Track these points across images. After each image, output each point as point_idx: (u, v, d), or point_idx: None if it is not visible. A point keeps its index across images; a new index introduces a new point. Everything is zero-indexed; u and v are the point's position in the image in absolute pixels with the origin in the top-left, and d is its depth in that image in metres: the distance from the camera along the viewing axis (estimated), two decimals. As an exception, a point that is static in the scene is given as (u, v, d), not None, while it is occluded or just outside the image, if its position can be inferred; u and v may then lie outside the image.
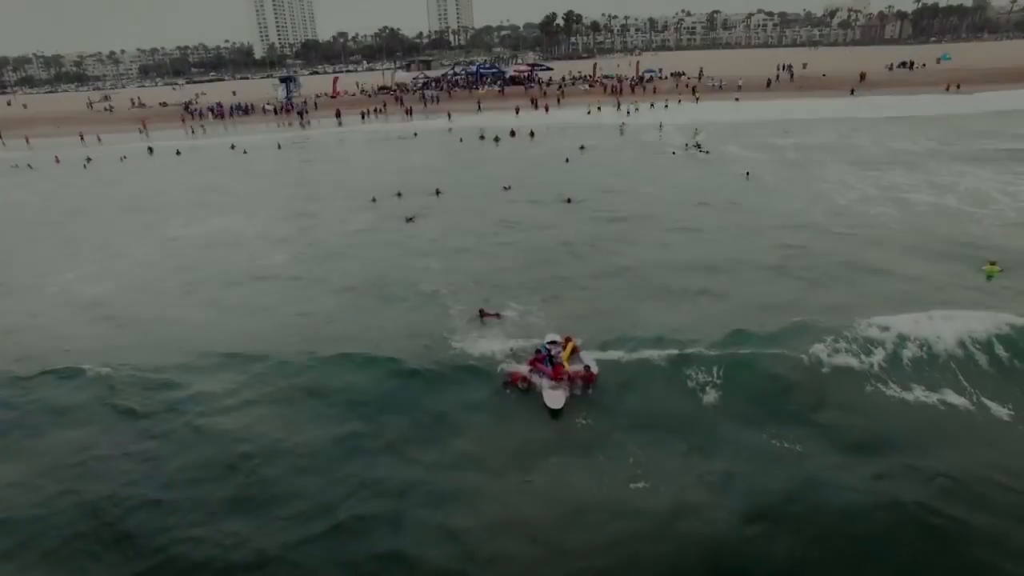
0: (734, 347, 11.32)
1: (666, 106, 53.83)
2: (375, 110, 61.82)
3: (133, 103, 79.64)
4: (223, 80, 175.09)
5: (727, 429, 9.50)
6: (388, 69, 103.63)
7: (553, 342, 11.19)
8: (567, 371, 10.66)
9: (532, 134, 42.30)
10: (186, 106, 70.26)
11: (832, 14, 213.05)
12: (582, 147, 36.34)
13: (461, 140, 42.46)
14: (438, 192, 27.02)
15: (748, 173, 27.12)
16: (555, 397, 10.22)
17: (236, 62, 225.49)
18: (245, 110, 65.99)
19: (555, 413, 10.11)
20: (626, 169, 30.94)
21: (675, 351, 11.29)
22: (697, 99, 55.91)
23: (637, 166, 31.67)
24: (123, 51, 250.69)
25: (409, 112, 58.00)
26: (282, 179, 35.85)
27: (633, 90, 63.97)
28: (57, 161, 43.45)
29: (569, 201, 24.17)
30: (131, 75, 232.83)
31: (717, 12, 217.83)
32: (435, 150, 41.24)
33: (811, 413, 9.73)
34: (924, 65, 66.28)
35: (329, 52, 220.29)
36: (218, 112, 64.99)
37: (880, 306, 12.62)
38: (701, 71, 69.92)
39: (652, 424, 9.73)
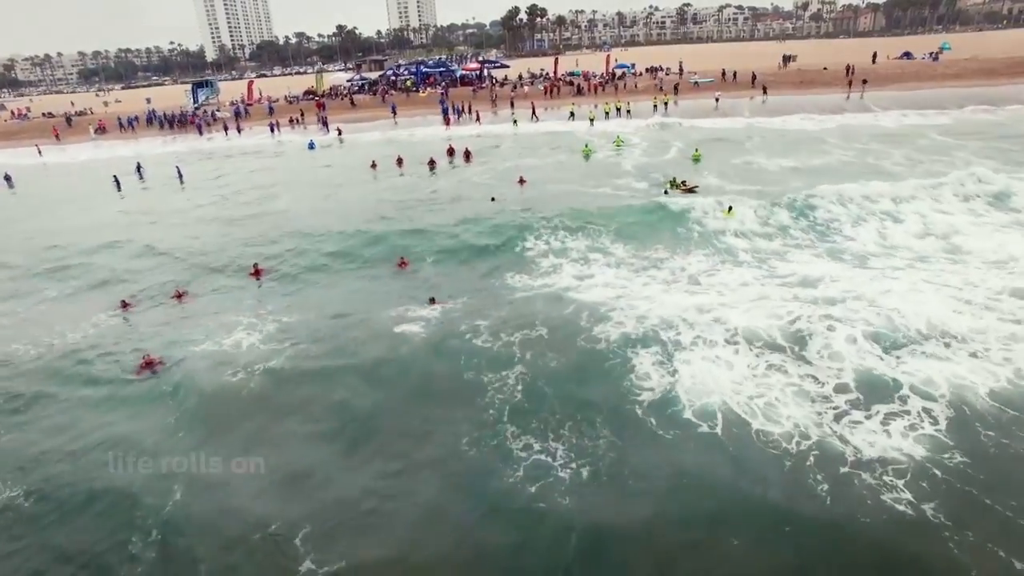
0: None
1: (628, 112, 43.61)
2: (292, 120, 50.78)
3: (13, 114, 67.26)
4: (162, 85, 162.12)
5: None
6: (322, 71, 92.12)
7: None
8: None
9: (468, 155, 32.02)
10: (68, 119, 58.28)
11: (804, 7, 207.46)
12: (521, 180, 26.58)
13: (374, 165, 31.85)
14: (257, 272, 17.40)
15: (730, 208, 19.11)
16: None
17: (184, 65, 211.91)
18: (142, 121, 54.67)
19: None
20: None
21: None
22: (666, 103, 44.95)
23: (591, 220, 21.27)
24: (60, 54, 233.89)
25: (325, 123, 46.99)
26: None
27: (603, 89, 53.79)
28: None
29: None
30: (71, 80, 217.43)
31: (687, 6, 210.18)
32: (327, 179, 30.83)
33: None
34: (933, 55, 57.68)
35: (285, 53, 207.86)
36: (98, 126, 53.24)
37: None
38: (681, 66, 60.12)
39: None
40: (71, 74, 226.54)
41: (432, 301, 15.21)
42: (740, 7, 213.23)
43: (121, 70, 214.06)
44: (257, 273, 18.12)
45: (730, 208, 19.71)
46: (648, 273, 16.24)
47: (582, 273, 16.47)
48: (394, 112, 48.75)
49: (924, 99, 40.27)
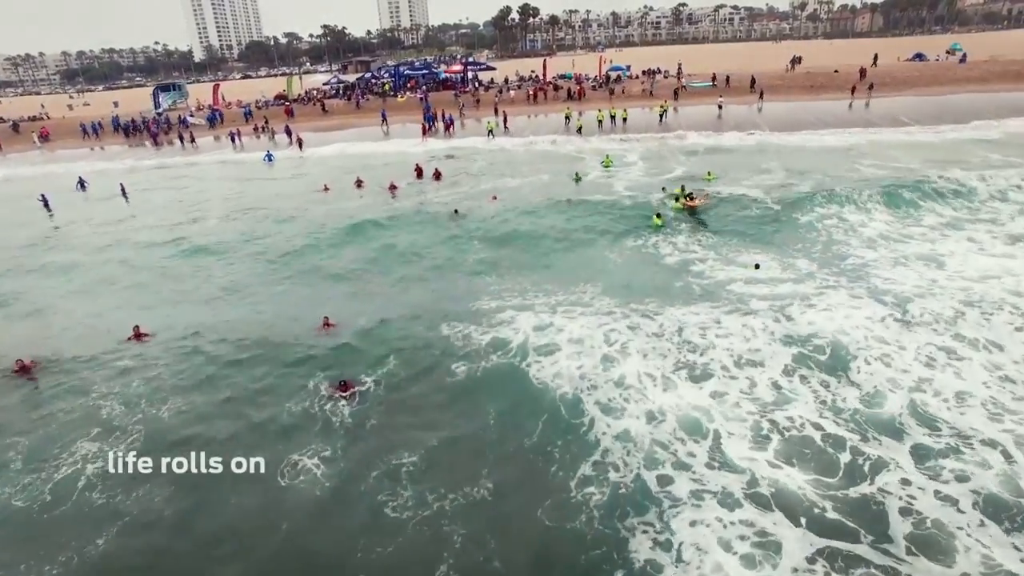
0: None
1: (624, 119, 39.13)
2: (257, 128, 46.39)
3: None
4: (143, 87, 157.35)
5: None
6: (302, 72, 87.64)
7: None
8: None
9: (438, 175, 27.86)
10: (15, 125, 53.66)
11: (801, 7, 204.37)
12: (495, 196, 22.71)
13: (326, 189, 27.60)
14: (138, 335, 14.04)
15: (757, 266, 15.99)
16: None
17: (169, 66, 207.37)
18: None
19: None
20: (543, 268, 17.08)
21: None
22: (665, 111, 40.23)
23: (564, 266, 17.35)
24: (42, 54, 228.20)
25: (288, 132, 42.51)
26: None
27: (585, 95, 49.17)
28: None
29: None
30: (53, 81, 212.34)
31: (683, 6, 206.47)
32: (272, 201, 26.64)
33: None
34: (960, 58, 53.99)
35: (274, 54, 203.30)
36: (41, 134, 48.75)
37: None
38: (680, 68, 55.87)
39: None
40: (54, 75, 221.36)
41: (344, 387, 11.38)
42: (736, 7, 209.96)
43: (105, 71, 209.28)
44: (138, 336, 13.85)
45: (757, 266, 15.76)
46: (635, 339, 12.13)
47: (548, 346, 12.44)
48: (384, 119, 43.55)
49: (953, 106, 36.25)
